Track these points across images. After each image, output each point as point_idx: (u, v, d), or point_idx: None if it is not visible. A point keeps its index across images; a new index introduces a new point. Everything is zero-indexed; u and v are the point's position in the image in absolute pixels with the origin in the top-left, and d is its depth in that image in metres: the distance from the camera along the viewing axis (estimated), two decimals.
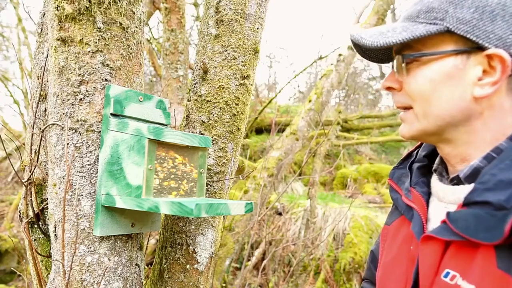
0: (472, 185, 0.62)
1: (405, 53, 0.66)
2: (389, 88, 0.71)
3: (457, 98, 0.63)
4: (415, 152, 0.83)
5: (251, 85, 1.11)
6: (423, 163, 0.78)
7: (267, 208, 3.60)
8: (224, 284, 3.40)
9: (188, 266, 1.05)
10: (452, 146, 0.67)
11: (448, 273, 0.59)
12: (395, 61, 0.68)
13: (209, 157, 1.05)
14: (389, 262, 0.74)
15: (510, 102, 0.63)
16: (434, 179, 0.73)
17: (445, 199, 0.67)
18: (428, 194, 0.73)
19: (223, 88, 1.04)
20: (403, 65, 0.66)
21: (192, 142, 0.90)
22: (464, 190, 0.63)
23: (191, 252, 1.05)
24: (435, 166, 0.76)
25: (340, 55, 3.81)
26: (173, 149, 0.90)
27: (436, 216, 0.68)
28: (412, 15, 0.66)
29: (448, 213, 0.60)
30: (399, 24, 0.67)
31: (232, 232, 3.15)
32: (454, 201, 0.65)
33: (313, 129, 3.68)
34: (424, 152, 0.80)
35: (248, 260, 3.63)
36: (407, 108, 0.69)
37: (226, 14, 1.03)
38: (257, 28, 1.07)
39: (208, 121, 1.05)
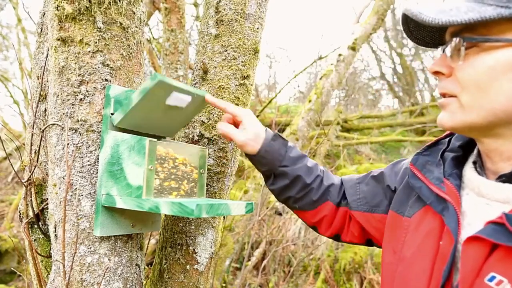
0: None
1: (465, 35, 0.60)
2: (436, 73, 0.65)
3: None
4: (446, 140, 0.78)
5: (251, 85, 1.10)
6: (458, 154, 0.73)
7: (267, 208, 3.60)
8: (224, 284, 3.40)
9: (188, 267, 1.05)
10: (500, 143, 0.62)
11: (493, 277, 0.55)
12: (451, 43, 0.62)
13: (209, 157, 1.05)
14: (411, 256, 0.70)
15: None
16: (471, 171, 0.68)
17: (489, 196, 0.63)
18: (460, 187, 0.68)
19: (223, 88, 1.04)
20: (462, 49, 0.60)
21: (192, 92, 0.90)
22: None
23: (191, 253, 1.05)
24: (474, 158, 0.71)
25: (340, 55, 3.80)
26: (173, 149, 0.90)
27: (473, 211, 0.64)
28: None
29: (506, 215, 0.55)
30: (463, 4, 0.60)
31: (232, 232, 3.15)
32: (502, 200, 0.60)
33: (313, 129, 3.68)
34: (459, 142, 0.75)
35: (248, 260, 3.63)
36: (453, 96, 0.63)
37: (226, 14, 1.03)
38: (257, 28, 1.07)
39: (208, 121, 1.05)
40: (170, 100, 0.87)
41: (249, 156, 0.95)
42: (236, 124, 0.96)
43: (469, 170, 0.70)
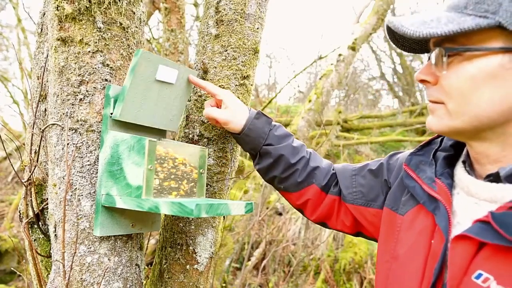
0: None
1: (446, 46, 0.62)
2: (423, 81, 0.67)
3: (497, 100, 0.59)
4: (438, 140, 0.79)
5: (251, 85, 1.10)
6: (450, 153, 0.74)
7: (267, 208, 3.60)
8: (224, 284, 3.40)
9: (188, 266, 1.05)
10: (485, 146, 0.64)
11: (480, 275, 0.56)
12: (434, 53, 0.64)
13: (209, 157, 1.05)
14: (405, 254, 0.70)
15: None
16: (461, 171, 0.69)
17: (477, 195, 0.64)
18: (451, 186, 0.69)
19: (223, 88, 1.04)
20: (445, 58, 0.62)
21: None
22: (505, 189, 0.60)
23: (191, 252, 1.05)
24: (463, 157, 0.72)
25: (340, 55, 3.80)
26: (173, 149, 0.90)
27: (463, 211, 0.65)
28: (459, 5, 0.61)
29: (492, 214, 0.57)
30: (443, 14, 0.62)
31: (232, 232, 3.15)
32: (490, 199, 0.62)
33: (313, 129, 3.68)
34: (451, 141, 0.76)
35: (248, 260, 3.63)
36: (440, 102, 0.65)
37: (226, 14, 1.03)
38: (257, 28, 1.07)
39: (208, 121, 1.05)
40: (159, 75, 0.90)
41: (234, 135, 0.97)
42: (218, 105, 0.98)
43: (459, 169, 0.71)
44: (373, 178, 0.90)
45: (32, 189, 1.03)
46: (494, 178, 0.63)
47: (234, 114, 0.94)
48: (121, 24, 0.90)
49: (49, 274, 1.00)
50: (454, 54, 0.62)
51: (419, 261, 0.67)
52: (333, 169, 0.98)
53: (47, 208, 1.02)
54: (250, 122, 0.93)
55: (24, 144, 1.11)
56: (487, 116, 0.60)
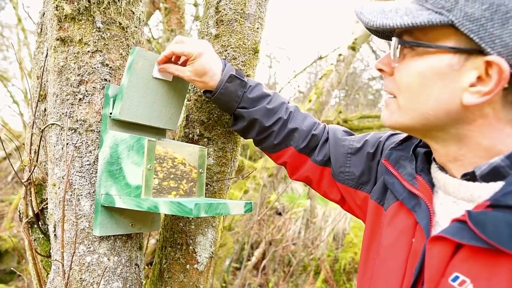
0: (493, 185, 0.57)
1: (403, 38, 0.61)
2: (381, 70, 0.66)
3: (444, 100, 0.58)
4: None
5: None
6: (429, 149, 0.71)
7: (267, 208, 3.60)
8: (224, 284, 3.40)
9: (188, 266, 1.05)
10: (440, 144, 0.63)
11: (457, 277, 0.55)
12: (392, 44, 0.62)
13: (209, 157, 1.05)
14: (385, 252, 0.68)
15: (506, 114, 0.57)
16: (435, 169, 0.67)
17: (455, 194, 0.62)
18: (432, 184, 0.67)
19: None
20: (398, 50, 0.61)
21: None
22: (481, 188, 0.58)
23: (191, 252, 1.05)
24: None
25: (340, 55, 3.80)
26: (172, 148, 0.90)
27: (441, 209, 0.64)
28: None
29: (469, 213, 0.55)
30: (405, 5, 0.61)
31: (232, 232, 3.15)
32: (467, 198, 0.60)
33: None
34: None
35: (248, 260, 3.63)
36: (393, 95, 0.64)
37: (226, 14, 1.03)
38: (257, 28, 1.07)
39: (208, 121, 1.05)
40: (155, 72, 0.92)
41: (208, 97, 0.95)
42: (188, 58, 0.91)
43: (433, 168, 0.69)
44: (369, 161, 0.85)
45: (32, 189, 1.03)
46: (471, 177, 0.61)
47: (200, 72, 0.88)
48: (120, 24, 0.90)
49: (48, 274, 1.00)
50: (407, 47, 0.61)
51: (400, 260, 0.65)
52: (315, 130, 0.93)
53: (46, 208, 1.02)
54: (221, 86, 0.90)
55: (24, 144, 1.11)
56: (434, 115, 0.59)
